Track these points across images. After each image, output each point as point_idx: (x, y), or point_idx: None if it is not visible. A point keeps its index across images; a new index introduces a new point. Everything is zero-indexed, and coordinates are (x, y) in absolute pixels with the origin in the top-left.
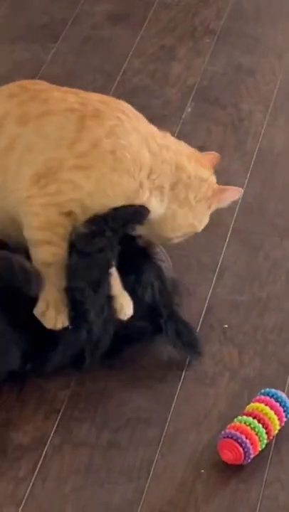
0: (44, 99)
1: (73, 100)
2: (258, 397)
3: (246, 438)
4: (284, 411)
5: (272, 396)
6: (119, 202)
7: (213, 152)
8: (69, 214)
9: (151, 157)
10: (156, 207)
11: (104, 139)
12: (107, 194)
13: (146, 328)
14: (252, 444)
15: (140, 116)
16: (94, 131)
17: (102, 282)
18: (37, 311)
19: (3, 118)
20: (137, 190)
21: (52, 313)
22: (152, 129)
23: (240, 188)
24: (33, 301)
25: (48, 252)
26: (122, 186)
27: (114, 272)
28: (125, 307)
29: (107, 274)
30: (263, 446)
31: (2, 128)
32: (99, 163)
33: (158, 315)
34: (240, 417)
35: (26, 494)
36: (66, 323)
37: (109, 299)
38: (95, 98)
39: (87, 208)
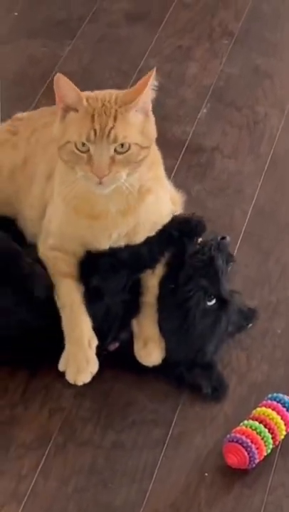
0: None
1: None
2: (264, 402)
3: (252, 443)
4: None
5: (279, 401)
6: None
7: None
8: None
9: None
10: None
11: None
12: None
13: None
14: (257, 448)
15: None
16: None
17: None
18: (60, 367)
19: (51, 141)
20: None
21: (73, 369)
22: None
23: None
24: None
25: (57, 291)
26: None
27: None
28: (153, 354)
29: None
30: (269, 451)
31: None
32: None
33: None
34: (246, 421)
35: (28, 492)
36: (88, 380)
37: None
38: None
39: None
